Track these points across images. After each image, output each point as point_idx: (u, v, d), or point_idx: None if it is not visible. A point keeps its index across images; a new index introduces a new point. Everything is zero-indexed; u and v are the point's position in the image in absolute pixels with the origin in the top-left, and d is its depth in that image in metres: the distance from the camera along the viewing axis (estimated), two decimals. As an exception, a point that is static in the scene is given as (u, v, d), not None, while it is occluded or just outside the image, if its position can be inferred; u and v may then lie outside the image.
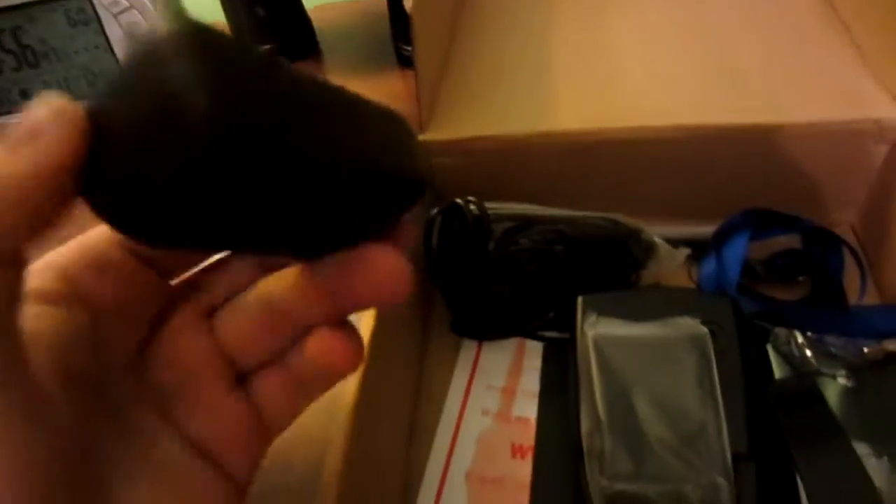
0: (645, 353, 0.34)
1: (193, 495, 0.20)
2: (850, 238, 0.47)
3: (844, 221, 0.48)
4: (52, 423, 0.17)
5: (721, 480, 0.30)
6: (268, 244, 0.19)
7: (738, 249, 0.42)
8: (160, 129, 0.14)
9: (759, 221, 0.44)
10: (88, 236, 0.21)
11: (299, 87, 0.17)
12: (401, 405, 0.41)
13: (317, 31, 0.76)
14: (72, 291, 0.20)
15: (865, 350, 0.36)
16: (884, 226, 0.44)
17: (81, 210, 0.16)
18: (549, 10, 0.58)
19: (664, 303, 0.37)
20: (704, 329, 0.35)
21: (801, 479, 0.30)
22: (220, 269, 0.23)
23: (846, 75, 0.46)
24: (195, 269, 0.24)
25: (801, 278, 0.46)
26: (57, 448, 0.17)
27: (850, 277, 0.44)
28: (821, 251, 0.45)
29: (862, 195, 0.47)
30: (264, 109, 0.15)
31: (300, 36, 0.75)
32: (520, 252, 0.42)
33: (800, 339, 0.36)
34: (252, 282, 0.23)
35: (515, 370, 0.44)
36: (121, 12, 0.55)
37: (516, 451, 0.40)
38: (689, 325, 0.35)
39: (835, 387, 0.34)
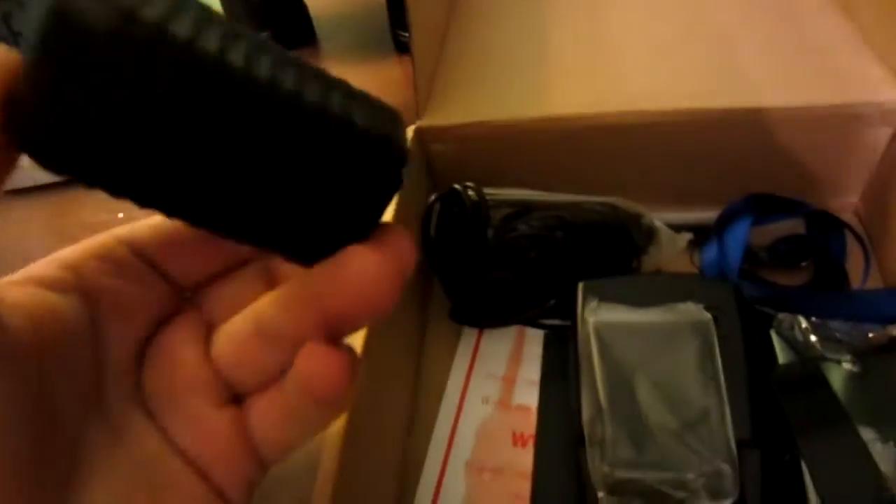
0: (647, 340, 0.34)
1: (172, 497, 0.20)
2: (854, 223, 0.46)
3: (847, 206, 0.48)
4: (21, 383, 0.16)
5: (725, 467, 0.30)
6: (220, 214, 0.18)
7: (741, 234, 0.42)
8: (66, 48, 0.14)
9: (762, 206, 0.44)
10: (97, 236, 0.21)
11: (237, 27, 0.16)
12: (400, 394, 0.41)
13: (313, 19, 0.75)
14: (74, 280, 0.19)
15: (870, 335, 0.35)
16: (887, 209, 0.44)
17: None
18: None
19: (666, 288, 0.36)
20: (707, 315, 0.34)
21: (806, 465, 0.30)
22: (227, 282, 0.23)
23: (849, 58, 0.45)
24: (204, 280, 0.23)
25: (803, 264, 0.45)
26: (28, 411, 0.16)
27: (854, 262, 0.44)
28: (823, 236, 0.45)
29: (865, 179, 0.47)
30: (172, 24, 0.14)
31: (296, 23, 0.74)
32: (519, 238, 0.41)
33: (804, 325, 0.36)
34: (257, 298, 0.22)
35: (516, 358, 0.44)
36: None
37: (517, 439, 0.39)
38: (692, 311, 0.35)
39: (840, 372, 0.34)
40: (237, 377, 0.21)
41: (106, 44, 0.14)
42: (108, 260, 0.21)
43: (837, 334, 0.36)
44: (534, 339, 0.44)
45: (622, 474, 0.31)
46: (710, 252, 0.43)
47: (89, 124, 0.15)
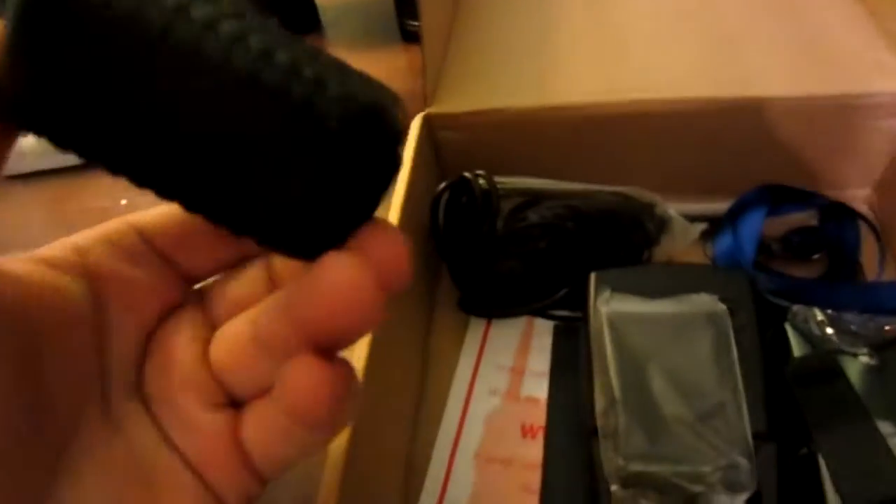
0: (661, 330, 0.33)
1: (169, 496, 0.19)
2: (868, 215, 0.46)
3: (860, 198, 0.47)
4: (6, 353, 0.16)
5: (742, 461, 0.29)
6: (200, 191, 0.17)
7: (755, 225, 0.41)
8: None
9: (775, 197, 0.43)
10: (109, 222, 0.21)
11: None
12: (407, 384, 0.40)
13: (319, 7, 0.74)
14: (80, 262, 0.19)
15: (886, 328, 0.35)
16: (902, 201, 0.43)
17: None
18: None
19: (679, 279, 0.36)
20: (722, 306, 0.34)
21: (824, 459, 0.29)
22: (232, 280, 0.22)
23: (863, 47, 0.45)
24: (212, 278, 0.22)
25: (816, 256, 0.45)
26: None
27: (868, 254, 0.43)
28: (837, 227, 0.44)
29: (879, 170, 0.46)
30: None
31: (302, 10, 0.73)
32: (529, 228, 0.41)
33: (819, 317, 0.35)
34: (260, 299, 0.21)
35: (524, 349, 0.43)
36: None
37: (526, 431, 0.39)
38: (707, 302, 0.34)
39: (856, 365, 0.33)
40: (234, 382, 0.21)
41: (80, 14, 0.14)
42: (118, 245, 0.20)
43: (853, 327, 0.35)
44: (543, 331, 0.43)
45: (636, 467, 0.30)
46: (724, 243, 0.42)
47: (65, 91, 0.15)
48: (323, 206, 0.17)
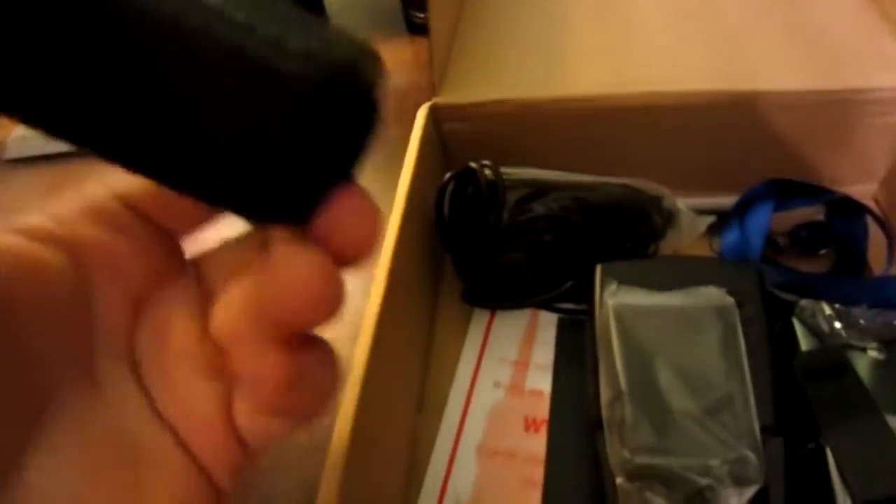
0: (668, 323, 0.33)
1: (151, 464, 0.19)
2: (874, 210, 0.45)
3: (866, 193, 0.47)
4: None
5: (750, 454, 0.29)
6: (155, 155, 0.16)
7: (762, 219, 0.41)
8: None
9: (782, 191, 0.43)
10: (89, 190, 0.20)
11: None
12: (410, 376, 0.40)
13: (323, -2, 0.74)
14: (59, 231, 0.19)
15: (894, 322, 0.35)
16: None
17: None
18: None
19: (686, 271, 0.35)
20: (730, 299, 0.33)
21: (832, 454, 0.29)
22: (226, 245, 0.22)
23: (870, 41, 0.45)
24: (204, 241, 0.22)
25: (823, 251, 0.44)
26: None
27: (876, 249, 0.43)
28: (844, 222, 0.44)
29: (886, 165, 0.46)
30: None
31: (307, 1, 0.73)
32: (535, 220, 0.40)
33: (827, 311, 0.35)
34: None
35: (528, 342, 0.43)
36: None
37: (529, 424, 0.39)
38: (714, 295, 0.34)
39: (865, 359, 0.33)
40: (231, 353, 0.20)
41: None
42: (99, 213, 0.20)
43: (861, 321, 0.35)
44: (547, 323, 0.43)
45: (642, 459, 0.30)
46: (731, 237, 0.42)
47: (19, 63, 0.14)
48: (294, 169, 0.16)
